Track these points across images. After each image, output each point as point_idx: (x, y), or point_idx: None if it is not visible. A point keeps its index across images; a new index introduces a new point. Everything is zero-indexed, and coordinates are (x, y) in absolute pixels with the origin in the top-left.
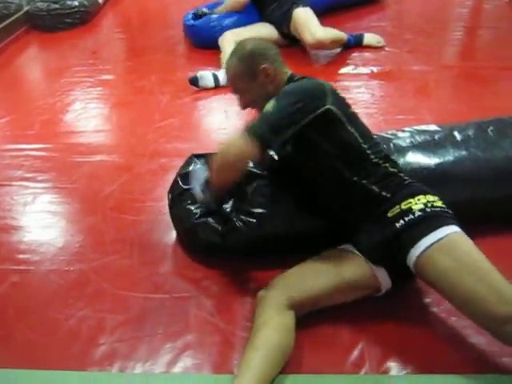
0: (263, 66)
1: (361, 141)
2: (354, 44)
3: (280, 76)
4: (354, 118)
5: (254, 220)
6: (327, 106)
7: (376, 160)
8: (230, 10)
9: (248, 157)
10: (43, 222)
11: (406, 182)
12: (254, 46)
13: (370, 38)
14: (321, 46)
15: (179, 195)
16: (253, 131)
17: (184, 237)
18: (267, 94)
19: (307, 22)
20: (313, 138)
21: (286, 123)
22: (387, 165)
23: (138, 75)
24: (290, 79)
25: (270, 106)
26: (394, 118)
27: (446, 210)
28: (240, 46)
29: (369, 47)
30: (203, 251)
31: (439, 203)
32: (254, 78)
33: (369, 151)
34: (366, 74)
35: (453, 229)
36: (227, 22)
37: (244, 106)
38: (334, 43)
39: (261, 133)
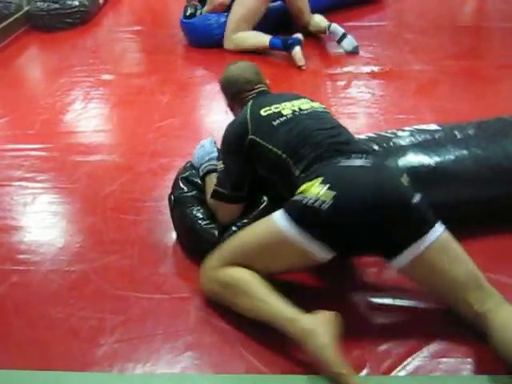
0: (228, 101)
1: (283, 155)
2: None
3: (246, 99)
4: (275, 133)
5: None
6: (250, 137)
7: (297, 173)
8: (212, 11)
9: (234, 215)
10: (43, 223)
11: None
12: (225, 79)
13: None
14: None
15: (180, 198)
16: (222, 198)
17: (184, 240)
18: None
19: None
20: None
21: (238, 175)
22: (304, 175)
23: (138, 75)
24: (255, 98)
25: (219, 165)
26: (394, 117)
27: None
28: (225, 72)
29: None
30: (203, 254)
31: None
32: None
33: (291, 163)
34: (367, 73)
35: (282, 221)
36: (224, 19)
37: None
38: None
39: (229, 196)
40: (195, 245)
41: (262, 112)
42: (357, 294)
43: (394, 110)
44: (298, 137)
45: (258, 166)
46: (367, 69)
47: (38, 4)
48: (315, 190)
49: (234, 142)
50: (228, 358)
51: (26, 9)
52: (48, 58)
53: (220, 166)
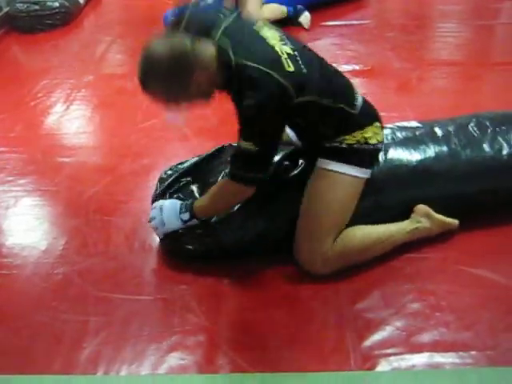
0: (197, 76)
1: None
2: (292, 17)
3: (212, 68)
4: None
5: (233, 224)
6: (294, 101)
7: (353, 112)
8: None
9: (246, 198)
10: (26, 225)
11: None
12: (171, 57)
13: (304, 19)
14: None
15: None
16: (245, 180)
17: (165, 244)
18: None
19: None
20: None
21: (273, 151)
22: (359, 116)
23: (120, 76)
24: (225, 57)
25: (248, 145)
26: None
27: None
28: (150, 61)
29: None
30: (185, 258)
31: (373, 140)
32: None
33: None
34: (348, 71)
35: (358, 172)
36: None
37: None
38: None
39: (255, 178)
40: (177, 249)
41: (286, 67)
42: (341, 293)
43: (376, 107)
44: (327, 77)
45: (299, 120)
46: (349, 67)
47: (18, 5)
48: (380, 137)
49: (274, 115)
50: (213, 357)
51: (5, 10)
52: (29, 59)
53: (249, 147)
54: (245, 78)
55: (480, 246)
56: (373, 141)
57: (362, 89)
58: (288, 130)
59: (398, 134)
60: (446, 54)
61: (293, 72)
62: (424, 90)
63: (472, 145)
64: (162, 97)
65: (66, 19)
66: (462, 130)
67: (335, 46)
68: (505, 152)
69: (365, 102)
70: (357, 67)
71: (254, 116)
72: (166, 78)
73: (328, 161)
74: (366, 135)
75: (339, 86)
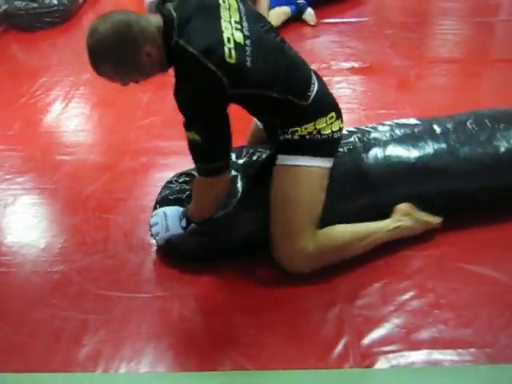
0: (144, 49)
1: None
2: (296, 15)
3: (159, 40)
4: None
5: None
6: (228, 92)
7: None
8: None
9: (225, 189)
10: (24, 224)
11: None
12: (113, 32)
13: (308, 16)
14: None
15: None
16: (208, 172)
17: (162, 246)
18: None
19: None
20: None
21: (221, 134)
22: (311, 108)
23: None
24: (168, 33)
25: (192, 135)
26: (375, 112)
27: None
28: (95, 41)
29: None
30: (182, 259)
31: (327, 131)
32: (135, 66)
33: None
34: (347, 69)
35: (316, 162)
36: None
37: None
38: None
39: (217, 167)
40: (172, 251)
41: (227, 58)
42: (340, 290)
43: (375, 105)
44: (278, 68)
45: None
46: (348, 64)
47: (16, 3)
48: (335, 127)
49: (207, 104)
50: (212, 355)
51: (3, 8)
52: (27, 57)
53: (193, 136)
54: (180, 59)
55: (479, 243)
56: (326, 131)
57: (360, 86)
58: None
59: (397, 131)
60: (445, 52)
61: (232, 64)
62: (423, 87)
63: (471, 142)
64: (116, 75)
65: (64, 17)
66: (460, 127)
67: (334, 43)
68: (503, 149)
69: (322, 92)
70: (356, 65)
71: (185, 104)
72: (114, 55)
73: (285, 156)
74: (319, 126)
75: (292, 78)
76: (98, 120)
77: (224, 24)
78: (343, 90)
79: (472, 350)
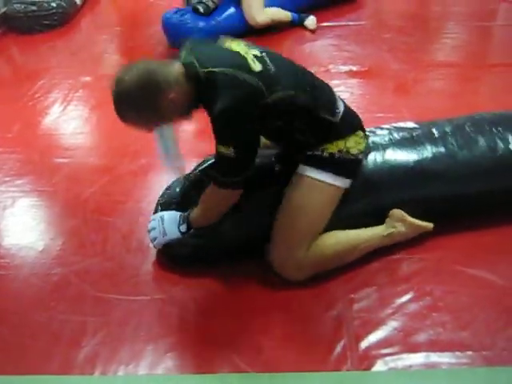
0: (167, 95)
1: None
2: (297, 23)
3: (182, 85)
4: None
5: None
6: (267, 100)
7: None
8: None
9: (235, 200)
10: (23, 226)
11: None
12: (137, 82)
13: (310, 21)
14: (262, 26)
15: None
16: (228, 185)
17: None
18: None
19: (249, 3)
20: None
21: (253, 155)
22: (340, 125)
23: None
24: (194, 75)
25: (226, 149)
26: (373, 115)
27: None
28: (120, 91)
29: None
30: (181, 262)
31: (355, 150)
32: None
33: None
34: (345, 72)
35: (337, 181)
36: (203, 23)
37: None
38: (277, 23)
39: (240, 181)
40: (170, 256)
41: (253, 68)
42: (338, 293)
43: (372, 108)
44: (301, 77)
45: (279, 124)
46: (346, 68)
47: (15, 6)
48: (362, 147)
49: (247, 116)
50: (210, 357)
51: (2, 10)
52: (26, 59)
53: (227, 151)
54: (213, 84)
55: (476, 246)
56: (354, 151)
57: (358, 90)
58: None
59: (395, 135)
60: (442, 56)
61: (260, 71)
62: (421, 91)
63: (469, 145)
64: (139, 122)
65: (63, 20)
66: (459, 131)
67: (332, 46)
68: (501, 152)
69: (348, 110)
70: (354, 68)
71: (227, 119)
72: (137, 103)
73: (307, 167)
74: (348, 144)
75: (317, 90)
76: (97, 122)
77: (236, 47)
78: (341, 93)
79: (469, 352)
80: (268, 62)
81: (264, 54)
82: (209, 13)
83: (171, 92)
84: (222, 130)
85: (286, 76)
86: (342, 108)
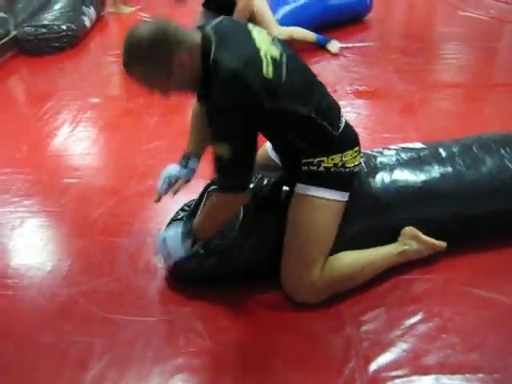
0: (177, 57)
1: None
2: (322, 44)
3: (195, 54)
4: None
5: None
6: (266, 106)
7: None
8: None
9: (241, 205)
10: (31, 246)
11: None
12: (151, 35)
13: (333, 45)
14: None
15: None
16: (230, 188)
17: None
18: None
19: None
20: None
21: (252, 155)
22: (341, 138)
23: (125, 98)
24: (207, 53)
25: (222, 149)
26: (380, 136)
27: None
28: (132, 40)
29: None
30: (190, 281)
31: (350, 164)
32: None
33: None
34: (352, 92)
35: (335, 195)
36: None
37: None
38: (301, 41)
39: (240, 184)
40: (181, 275)
41: (264, 73)
42: (346, 315)
43: (379, 129)
44: (311, 87)
45: (275, 129)
46: (352, 88)
47: (26, 29)
48: (357, 160)
49: (244, 116)
50: (218, 379)
51: (13, 33)
52: (36, 81)
53: (224, 151)
54: (219, 75)
55: (484, 266)
56: (350, 164)
57: (365, 110)
58: (270, 152)
59: (403, 156)
60: (448, 76)
61: (271, 79)
62: (427, 111)
63: (476, 166)
64: (145, 78)
65: (72, 42)
66: (466, 151)
67: (339, 67)
68: (509, 173)
69: (348, 126)
70: (360, 89)
71: (223, 119)
72: (147, 56)
73: (306, 186)
74: (345, 158)
75: (324, 101)
76: (105, 143)
77: (260, 43)
78: (348, 114)
79: (480, 375)
80: (283, 67)
81: (284, 56)
82: None
83: (182, 53)
84: (218, 124)
85: (295, 86)
86: (343, 123)
